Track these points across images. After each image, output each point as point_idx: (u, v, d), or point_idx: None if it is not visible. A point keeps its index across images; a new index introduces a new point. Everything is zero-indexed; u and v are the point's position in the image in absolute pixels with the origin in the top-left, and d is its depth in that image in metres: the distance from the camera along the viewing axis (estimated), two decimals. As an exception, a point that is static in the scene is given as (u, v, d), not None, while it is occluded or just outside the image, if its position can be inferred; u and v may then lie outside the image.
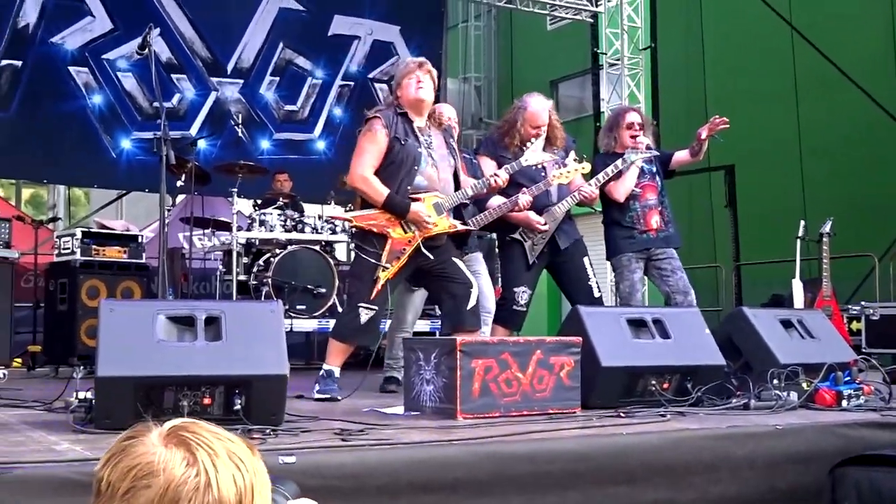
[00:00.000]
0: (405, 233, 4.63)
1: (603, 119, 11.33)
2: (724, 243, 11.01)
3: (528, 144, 5.19)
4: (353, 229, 4.93)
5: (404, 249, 4.61)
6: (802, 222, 8.29)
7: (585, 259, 5.40)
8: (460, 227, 4.79)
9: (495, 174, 4.85)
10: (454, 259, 4.76)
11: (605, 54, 11.58)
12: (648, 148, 5.76)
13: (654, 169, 5.93)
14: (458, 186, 4.82)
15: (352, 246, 6.01)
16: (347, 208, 7.56)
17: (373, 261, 4.60)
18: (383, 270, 4.57)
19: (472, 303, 4.70)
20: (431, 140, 4.75)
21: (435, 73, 4.86)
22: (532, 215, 5.26)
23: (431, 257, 4.67)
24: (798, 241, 8.19)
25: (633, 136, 5.80)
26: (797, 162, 11.06)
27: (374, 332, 4.78)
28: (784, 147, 11.13)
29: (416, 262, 4.67)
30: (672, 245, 5.84)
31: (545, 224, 5.28)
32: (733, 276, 10.56)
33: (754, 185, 11.04)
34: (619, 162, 5.57)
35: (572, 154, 5.36)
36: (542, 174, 5.25)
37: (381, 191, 4.60)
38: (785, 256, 8.69)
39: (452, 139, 4.93)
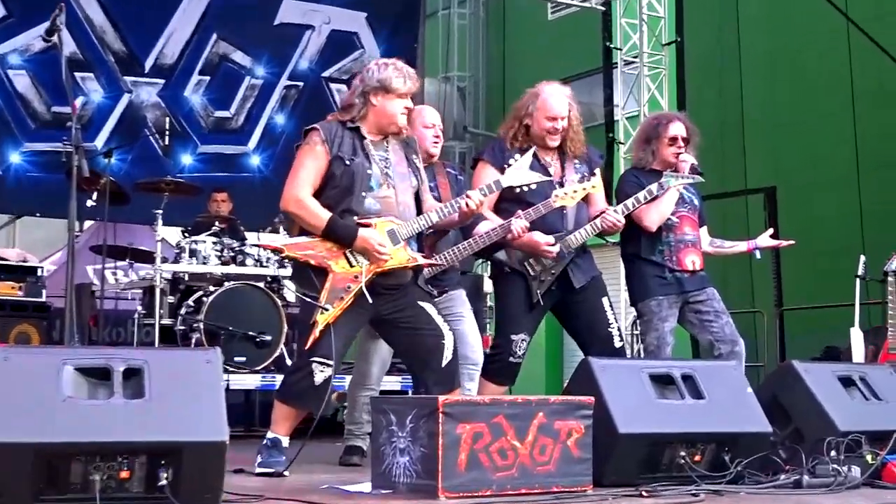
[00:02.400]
0: (350, 266, 4.61)
1: (617, 130, 11.37)
2: (765, 284, 11.02)
3: (513, 160, 5.18)
4: (290, 263, 4.93)
5: (349, 287, 4.58)
6: (862, 258, 8.28)
7: (605, 300, 5.38)
8: (422, 260, 4.78)
9: (467, 195, 4.82)
10: (421, 304, 4.74)
11: (621, 50, 11.57)
12: (694, 171, 5.69)
13: (697, 202, 5.89)
14: (420, 212, 4.83)
15: (292, 286, 6.00)
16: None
17: (309, 300, 4.59)
18: (321, 313, 4.54)
19: (446, 358, 4.68)
20: (389, 155, 4.80)
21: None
22: (538, 236, 5.18)
23: (387, 299, 4.67)
24: (857, 281, 8.17)
25: (676, 154, 5.74)
26: (854, 185, 11.05)
27: (324, 394, 4.68)
28: (839, 167, 11.14)
29: (373, 306, 4.64)
30: (706, 287, 5.77)
31: (555, 246, 5.22)
32: (776, 324, 10.56)
33: (801, 212, 11.06)
34: (654, 187, 5.48)
35: (598, 173, 5.37)
36: (554, 187, 5.24)
37: (320, 214, 4.61)
38: (839, 300, 8.67)
39: (416, 154, 4.95)
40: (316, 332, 4.53)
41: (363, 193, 4.65)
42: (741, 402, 4.43)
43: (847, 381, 4.73)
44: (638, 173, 5.81)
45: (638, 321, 5.99)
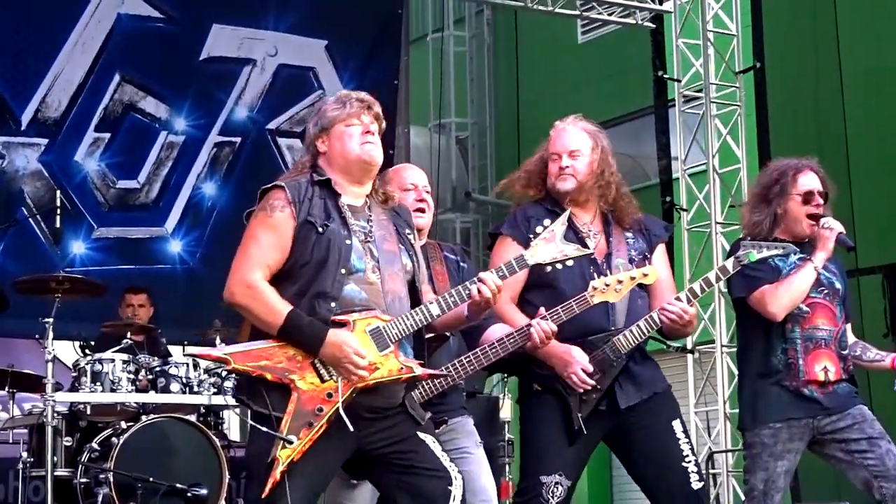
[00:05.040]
0: (322, 381, 4.60)
1: (677, 191, 11.28)
2: (891, 398, 10.97)
3: (541, 227, 5.19)
4: (239, 379, 5.00)
5: (320, 410, 4.58)
6: None
7: (676, 424, 5.51)
8: (420, 370, 4.75)
9: (480, 279, 4.80)
10: (421, 436, 4.77)
11: (679, 82, 11.72)
12: (844, 244, 5.73)
13: (839, 285, 5.89)
14: (416, 304, 4.82)
15: (237, 410, 5.94)
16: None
17: (264, 429, 4.58)
18: (283, 447, 4.52)
19: (453, 507, 4.72)
20: (373, 228, 4.83)
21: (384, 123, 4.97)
22: (576, 355, 5.28)
23: (375, 427, 4.69)
24: None
25: (815, 217, 5.74)
26: None
27: None
28: None
29: (354, 436, 4.65)
30: (850, 406, 5.77)
31: (597, 375, 5.32)
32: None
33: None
34: (729, 263, 5.52)
35: (660, 251, 5.59)
36: (593, 274, 5.29)
37: (278, 308, 4.60)
38: None
39: (410, 229, 5.01)
40: (276, 475, 4.50)
41: (342, 271, 4.67)
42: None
43: None
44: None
45: (745, 453, 6.00)
